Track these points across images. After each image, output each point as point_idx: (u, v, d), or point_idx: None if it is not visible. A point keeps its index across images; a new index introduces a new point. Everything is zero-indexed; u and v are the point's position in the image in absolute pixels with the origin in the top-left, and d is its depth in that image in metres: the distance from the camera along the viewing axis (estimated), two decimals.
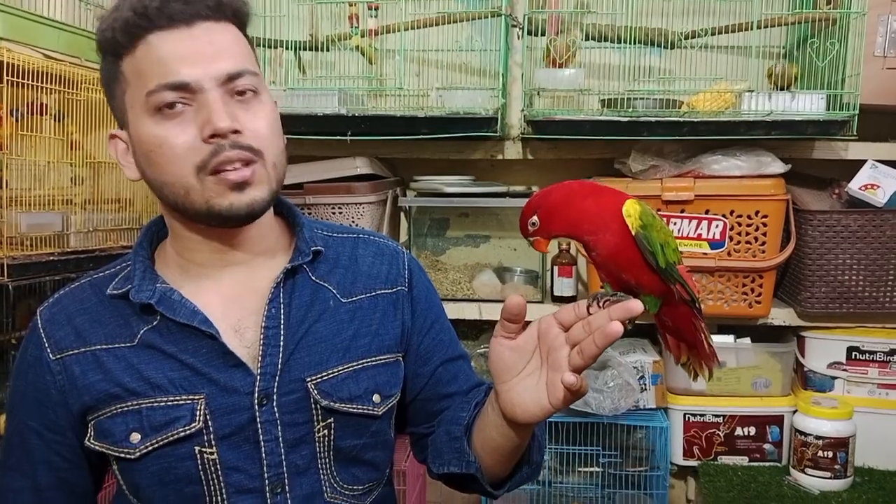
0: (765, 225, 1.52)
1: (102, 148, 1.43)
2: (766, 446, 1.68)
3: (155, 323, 0.85)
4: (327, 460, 0.87)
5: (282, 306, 0.87)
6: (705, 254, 1.55)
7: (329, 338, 0.88)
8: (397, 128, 1.54)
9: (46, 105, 1.35)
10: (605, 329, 0.69)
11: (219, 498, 0.84)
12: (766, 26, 1.50)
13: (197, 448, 0.82)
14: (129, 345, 0.85)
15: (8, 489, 0.89)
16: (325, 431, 0.86)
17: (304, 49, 1.70)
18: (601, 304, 0.73)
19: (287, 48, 1.68)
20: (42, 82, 1.27)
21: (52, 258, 1.32)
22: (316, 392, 0.85)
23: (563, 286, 1.66)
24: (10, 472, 0.89)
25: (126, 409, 0.83)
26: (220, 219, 0.82)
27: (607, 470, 1.67)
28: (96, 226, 1.44)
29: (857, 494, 1.55)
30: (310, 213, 1.60)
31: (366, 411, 0.88)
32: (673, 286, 0.77)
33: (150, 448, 0.82)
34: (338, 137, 1.54)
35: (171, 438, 0.82)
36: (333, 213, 1.61)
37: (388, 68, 1.72)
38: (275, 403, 0.84)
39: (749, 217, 1.52)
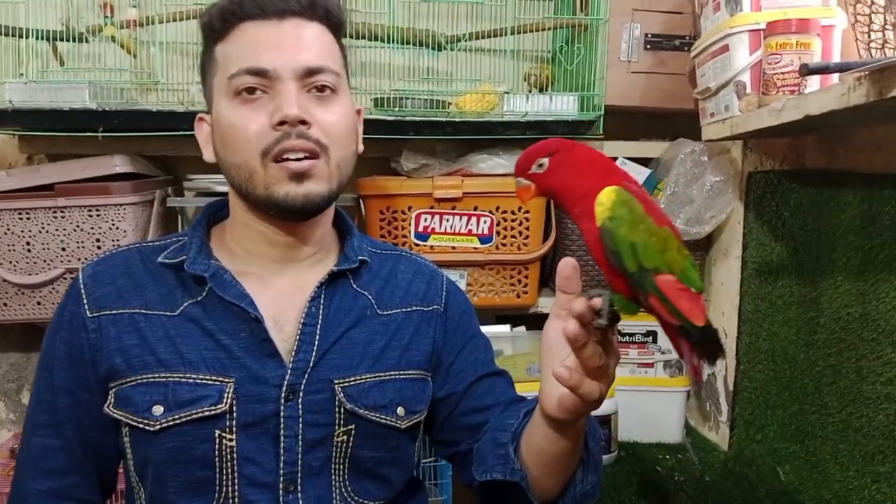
0: (527, 220, 1.60)
1: None
2: None
3: (200, 298, 0.85)
4: (341, 467, 0.87)
5: (321, 307, 0.87)
6: (476, 248, 1.60)
7: (361, 345, 0.90)
8: (157, 123, 1.46)
9: None
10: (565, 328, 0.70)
11: (230, 488, 0.82)
12: (520, 32, 1.58)
13: (217, 431, 0.82)
14: (169, 314, 0.85)
15: (42, 447, 0.88)
16: (345, 437, 0.87)
17: (59, 39, 1.57)
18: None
19: (39, 38, 1.55)
20: None
21: None
22: (342, 395, 0.85)
23: None
24: (43, 429, 0.88)
25: (152, 380, 0.83)
26: (276, 207, 0.84)
27: None
28: None
29: (619, 468, 1.67)
30: (63, 217, 1.48)
31: (388, 422, 0.89)
32: (643, 297, 0.65)
33: (171, 423, 0.82)
34: (89, 134, 1.44)
35: (195, 416, 0.81)
36: (91, 216, 1.49)
37: (156, 61, 1.63)
38: (300, 400, 0.85)
39: (513, 213, 1.59)
